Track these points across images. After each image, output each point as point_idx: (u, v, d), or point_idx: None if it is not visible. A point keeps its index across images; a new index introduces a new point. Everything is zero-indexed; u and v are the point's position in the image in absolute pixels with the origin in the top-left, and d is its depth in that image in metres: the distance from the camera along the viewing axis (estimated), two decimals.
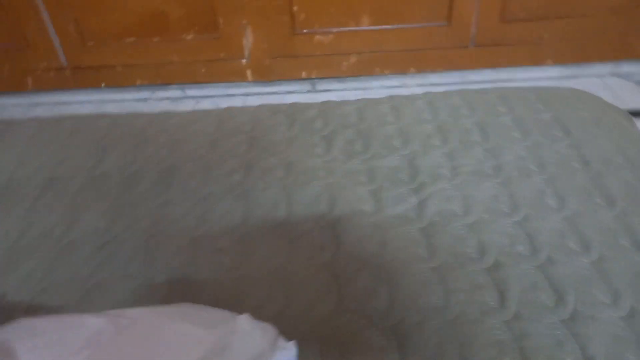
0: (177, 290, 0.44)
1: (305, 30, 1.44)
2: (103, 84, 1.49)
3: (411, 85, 1.49)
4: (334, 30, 1.44)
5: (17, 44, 1.41)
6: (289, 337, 0.37)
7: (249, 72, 1.50)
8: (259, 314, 0.36)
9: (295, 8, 1.39)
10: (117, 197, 0.54)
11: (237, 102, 1.33)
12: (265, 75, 1.50)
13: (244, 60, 1.48)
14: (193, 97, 1.46)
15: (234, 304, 0.42)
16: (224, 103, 1.08)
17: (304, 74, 1.51)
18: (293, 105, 0.71)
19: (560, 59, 1.45)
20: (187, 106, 0.82)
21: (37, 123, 0.65)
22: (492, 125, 0.69)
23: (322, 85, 1.51)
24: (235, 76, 1.50)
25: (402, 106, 0.70)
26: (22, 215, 0.50)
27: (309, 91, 1.52)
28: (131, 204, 0.52)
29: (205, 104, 1.36)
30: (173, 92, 1.50)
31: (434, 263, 0.50)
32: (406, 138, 0.63)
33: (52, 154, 0.59)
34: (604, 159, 0.64)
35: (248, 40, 1.44)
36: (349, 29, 1.44)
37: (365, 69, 1.51)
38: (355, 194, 0.55)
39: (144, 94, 1.49)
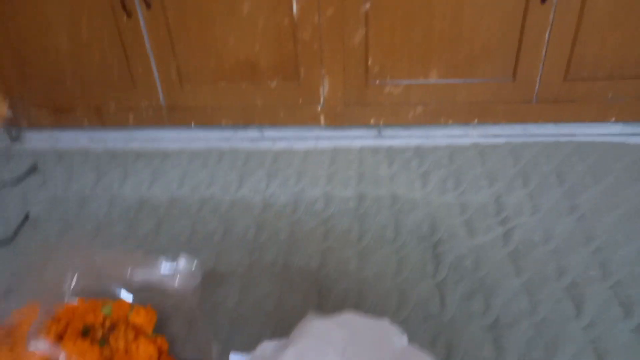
0: (312, 283, 0.54)
1: (377, 82, 1.57)
2: (193, 123, 1.66)
3: (474, 135, 1.58)
4: (404, 82, 1.56)
5: (124, 85, 1.62)
6: (404, 329, 0.45)
7: (322, 117, 1.64)
8: (373, 311, 0.45)
9: (370, 61, 1.54)
10: (258, 214, 0.65)
11: (310, 144, 1.46)
12: (336, 120, 1.64)
13: (319, 107, 1.62)
14: (270, 138, 1.61)
15: (359, 302, 0.52)
16: (298, 144, 1.19)
17: (372, 121, 1.63)
18: (391, 148, 0.82)
19: (625, 117, 1.50)
20: (264, 146, 0.92)
21: (188, 154, 0.78)
22: (568, 172, 0.77)
23: (388, 131, 1.63)
24: (310, 120, 1.64)
25: (487, 153, 0.78)
26: (187, 224, 0.61)
27: (375, 137, 1.63)
28: (270, 220, 0.63)
29: (281, 145, 1.49)
30: (252, 133, 1.65)
31: (521, 279, 0.57)
32: (492, 179, 0.72)
33: (203, 178, 0.72)
34: None
35: (325, 88, 1.59)
36: (418, 81, 1.56)
37: (430, 118, 1.61)
38: (452, 222, 0.63)
39: (227, 133, 1.65)
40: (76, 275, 0.44)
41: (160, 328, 0.45)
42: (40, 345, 0.38)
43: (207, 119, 1.65)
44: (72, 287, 0.44)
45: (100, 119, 1.68)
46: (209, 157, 0.82)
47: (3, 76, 1.63)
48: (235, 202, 0.70)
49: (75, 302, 0.43)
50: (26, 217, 0.67)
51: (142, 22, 1.50)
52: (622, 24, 1.41)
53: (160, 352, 0.42)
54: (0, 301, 0.46)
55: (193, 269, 0.48)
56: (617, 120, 1.52)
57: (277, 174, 0.75)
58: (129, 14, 1.49)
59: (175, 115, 1.65)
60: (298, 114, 1.63)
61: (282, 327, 0.52)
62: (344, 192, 0.71)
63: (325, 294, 0.56)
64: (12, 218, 0.68)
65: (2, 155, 0.81)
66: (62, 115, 1.68)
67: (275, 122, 1.64)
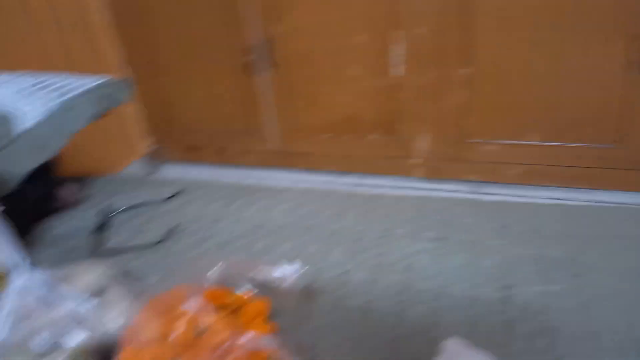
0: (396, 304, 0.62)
1: (475, 140, 1.63)
2: (301, 167, 1.85)
3: (580, 200, 1.54)
4: (503, 142, 1.60)
5: (249, 130, 1.87)
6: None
7: (418, 170, 1.73)
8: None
9: (469, 120, 1.61)
10: (350, 243, 0.78)
11: (404, 194, 1.55)
12: (432, 174, 1.71)
13: (416, 160, 1.72)
14: (368, 185, 1.73)
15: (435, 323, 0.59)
16: (393, 193, 1.29)
17: (468, 177, 1.68)
18: (478, 200, 0.91)
19: None
20: (362, 191, 1.03)
21: (296, 192, 0.96)
22: None
23: (486, 188, 1.65)
24: (406, 172, 1.74)
25: (571, 213, 0.82)
26: (294, 245, 0.74)
27: (472, 192, 1.67)
28: (362, 249, 0.75)
29: (377, 192, 1.60)
30: (352, 179, 1.79)
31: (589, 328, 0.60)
32: (571, 237, 0.75)
33: (309, 211, 0.87)
34: None
35: (421, 144, 1.69)
36: (517, 142, 1.59)
37: (530, 179, 1.61)
38: (525, 269, 0.69)
39: (329, 178, 1.81)
40: (217, 268, 0.58)
41: (271, 317, 0.58)
42: (192, 305, 0.53)
43: (312, 164, 1.83)
44: (214, 276, 0.58)
45: (223, 158, 1.95)
46: (314, 195, 0.97)
47: (151, 120, 1.99)
48: (334, 232, 0.83)
49: (214, 287, 0.57)
50: (175, 227, 0.86)
51: (267, 80, 1.76)
52: None
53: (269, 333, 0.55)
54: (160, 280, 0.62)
55: (297, 276, 0.61)
56: None
57: (370, 213, 0.88)
58: (257, 72, 1.76)
59: (287, 158, 1.86)
60: (395, 166, 1.74)
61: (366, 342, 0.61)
62: (427, 233, 0.81)
63: (404, 315, 0.65)
64: (163, 227, 0.87)
65: (144, 182, 1.05)
66: (192, 153, 1.99)
67: (372, 171, 1.77)
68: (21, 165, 0.79)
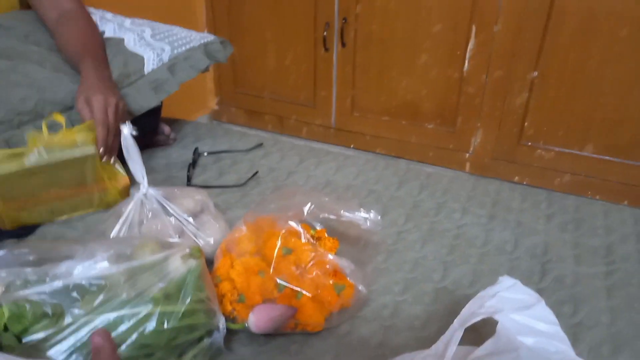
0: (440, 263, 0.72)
1: (529, 143, 1.67)
2: (352, 145, 1.93)
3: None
4: (557, 149, 1.63)
5: (307, 103, 1.95)
6: None
7: (468, 165, 1.78)
8: None
9: (526, 123, 1.65)
10: (408, 209, 0.87)
11: (458, 176, 1.60)
12: (481, 170, 1.76)
13: (467, 154, 1.77)
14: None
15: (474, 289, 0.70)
16: (448, 174, 1.34)
17: (516, 178, 1.72)
18: (526, 188, 0.99)
19: None
20: (420, 168, 1.09)
21: (363, 159, 1.05)
22: None
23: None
24: (455, 165, 1.79)
25: (611, 212, 0.88)
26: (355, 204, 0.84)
27: None
28: (416, 216, 0.85)
29: (433, 170, 1.66)
30: (401, 164, 1.86)
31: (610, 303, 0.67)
32: (610, 230, 0.81)
33: (372, 177, 0.97)
34: None
35: (476, 139, 1.74)
36: (571, 151, 1.62)
37: (577, 189, 1.64)
38: (563, 252, 0.76)
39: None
40: (309, 205, 0.67)
41: (339, 254, 0.67)
42: (283, 227, 0.62)
43: (364, 145, 1.91)
44: (305, 213, 0.67)
45: (281, 127, 2.04)
46: (377, 163, 1.05)
47: (220, 81, 2.09)
48: (394, 198, 0.91)
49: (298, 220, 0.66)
50: (255, 173, 0.95)
51: (335, 57, 1.84)
52: None
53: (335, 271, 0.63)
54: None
55: (377, 220, 0.70)
56: None
57: (427, 187, 0.96)
58: (327, 49, 1.83)
59: (339, 135, 1.94)
60: (446, 157, 1.80)
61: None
62: (478, 210, 0.88)
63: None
64: (243, 172, 0.97)
65: (228, 132, 1.15)
66: (253, 118, 2.09)
67: (422, 159, 1.83)
68: (143, 100, 0.90)
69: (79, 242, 0.55)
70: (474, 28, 1.60)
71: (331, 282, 0.61)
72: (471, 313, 0.46)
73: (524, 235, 0.80)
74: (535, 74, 1.58)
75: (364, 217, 0.70)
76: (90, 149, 0.76)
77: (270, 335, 0.61)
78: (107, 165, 0.80)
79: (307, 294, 0.60)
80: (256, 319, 0.58)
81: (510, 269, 0.72)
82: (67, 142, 0.75)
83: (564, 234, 0.81)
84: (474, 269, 0.73)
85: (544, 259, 0.75)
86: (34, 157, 0.73)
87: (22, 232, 0.78)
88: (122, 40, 0.97)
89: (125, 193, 0.84)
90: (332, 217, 0.70)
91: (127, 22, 1.03)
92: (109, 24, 1.02)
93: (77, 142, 0.76)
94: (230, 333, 0.59)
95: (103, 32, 1.00)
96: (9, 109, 0.79)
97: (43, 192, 0.77)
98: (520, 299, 0.48)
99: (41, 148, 0.73)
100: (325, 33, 1.79)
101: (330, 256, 0.62)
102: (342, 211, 0.68)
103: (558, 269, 0.72)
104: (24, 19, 0.97)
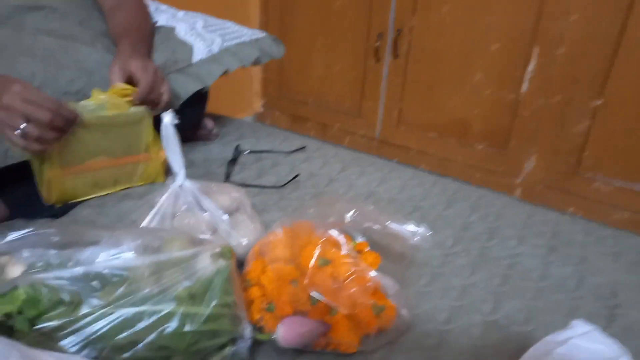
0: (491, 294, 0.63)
1: (587, 174, 1.55)
2: (397, 160, 1.86)
3: None
4: (617, 183, 1.51)
5: (352, 113, 1.91)
6: None
7: (519, 190, 1.68)
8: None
9: (586, 153, 1.53)
10: (457, 230, 0.79)
11: (512, 201, 1.51)
12: (533, 197, 1.65)
13: (518, 179, 1.67)
14: None
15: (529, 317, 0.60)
16: (500, 198, 1.26)
17: (570, 210, 1.60)
18: (589, 223, 0.89)
19: None
20: (470, 189, 1.02)
21: (409, 173, 0.99)
22: None
23: None
24: (504, 189, 1.69)
25: None
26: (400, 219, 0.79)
27: None
28: (466, 239, 0.77)
29: (484, 193, 1.57)
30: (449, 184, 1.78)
31: None
32: None
33: (418, 193, 0.90)
34: None
35: (530, 164, 1.63)
36: (632, 186, 1.49)
37: (635, 227, 1.51)
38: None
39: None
40: (353, 212, 0.62)
41: (380, 271, 0.61)
42: (322, 236, 0.57)
43: (408, 159, 1.83)
44: (348, 219, 0.62)
45: (324, 134, 2.00)
46: (424, 179, 0.98)
47: (266, 83, 2.08)
48: (442, 217, 0.84)
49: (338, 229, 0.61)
50: (296, 176, 0.91)
51: (385, 69, 1.79)
52: None
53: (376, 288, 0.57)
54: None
55: (426, 235, 0.64)
56: None
57: (478, 209, 0.88)
58: (378, 59, 1.78)
59: (383, 148, 1.88)
60: (494, 180, 1.70)
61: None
62: (535, 240, 0.80)
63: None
64: (283, 175, 0.93)
65: (271, 133, 1.12)
66: (296, 123, 2.06)
67: (469, 180, 1.74)
68: (187, 87, 0.88)
69: (108, 229, 0.52)
70: (535, 50, 1.51)
71: (372, 301, 0.55)
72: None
73: (588, 273, 0.71)
74: (599, 102, 1.47)
75: (413, 231, 0.63)
76: (144, 111, 0.79)
77: (299, 351, 0.56)
78: (156, 133, 0.80)
79: (343, 311, 0.54)
80: (285, 332, 0.53)
81: (572, 309, 0.64)
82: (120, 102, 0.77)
83: (634, 276, 0.72)
84: (529, 304, 0.65)
85: (612, 302, 0.66)
86: (100, 108, 0.75)
87: (59, 211, 0.77)
88: (173, 28, 0.95)
89: (164, 169, 0.85)
90: (376, 227, 0.64)
91: (181, 13, 1.02)
92: (163, 15, 1.02)
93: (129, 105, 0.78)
94: (255, 343, 0.54)
95: (156, 22, 0.99)
96: (56, 88, 0.78)
97: (92, 160, 0.78)
98: (599, 350, 0.40)
99: (105, 97, 0.76)
100: (377, 43, 1.75)
101: (373, 273, 0.56)
102: (388, 222, 0.62)
103: (629, 315, 0.64)
104: (80, 4, 0.98)
